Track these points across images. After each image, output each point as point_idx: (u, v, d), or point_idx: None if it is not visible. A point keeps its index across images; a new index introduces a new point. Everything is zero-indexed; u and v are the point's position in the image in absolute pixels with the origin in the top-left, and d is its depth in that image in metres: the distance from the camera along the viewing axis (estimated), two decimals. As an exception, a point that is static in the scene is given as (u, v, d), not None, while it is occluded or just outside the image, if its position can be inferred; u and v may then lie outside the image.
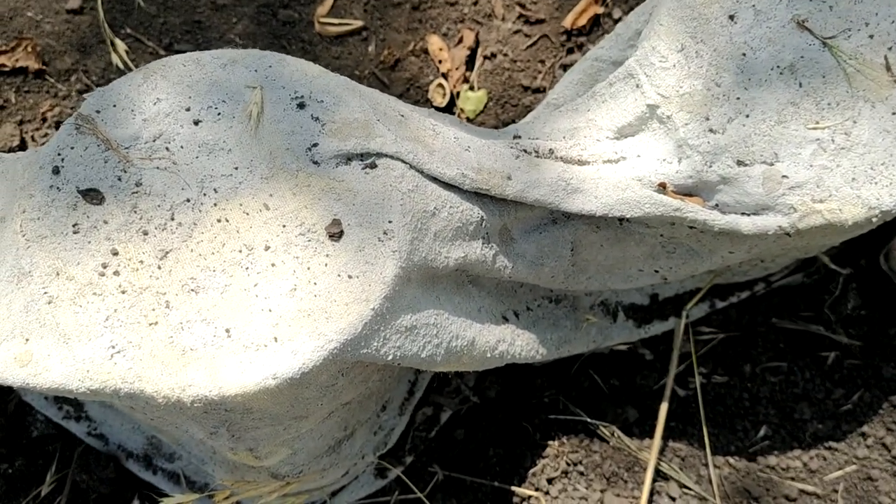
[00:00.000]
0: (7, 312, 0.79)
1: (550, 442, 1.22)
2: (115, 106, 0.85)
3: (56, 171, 0.81)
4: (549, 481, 1.20)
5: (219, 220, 0.81)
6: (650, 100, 0.94)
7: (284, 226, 0.80)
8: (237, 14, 1.39)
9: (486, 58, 1.45)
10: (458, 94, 1.43)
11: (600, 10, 1.44)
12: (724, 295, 1.28)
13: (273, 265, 0.79)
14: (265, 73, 0.87)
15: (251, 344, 0.76)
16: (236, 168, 0.83)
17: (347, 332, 0.77)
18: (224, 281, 0.78)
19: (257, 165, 0.83)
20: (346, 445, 1.06)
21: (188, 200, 0.81)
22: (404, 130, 0.88)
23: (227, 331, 0.77)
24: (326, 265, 0.79)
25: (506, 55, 1.45)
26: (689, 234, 0.99)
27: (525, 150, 0.95)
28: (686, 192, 0.94)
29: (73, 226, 0.80)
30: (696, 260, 1.04)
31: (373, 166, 0.83)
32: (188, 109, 0.85)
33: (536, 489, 1.19)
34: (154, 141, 0.83)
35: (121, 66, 1.34)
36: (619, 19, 1.44)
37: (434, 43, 1.45)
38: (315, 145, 0.83)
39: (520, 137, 1.04)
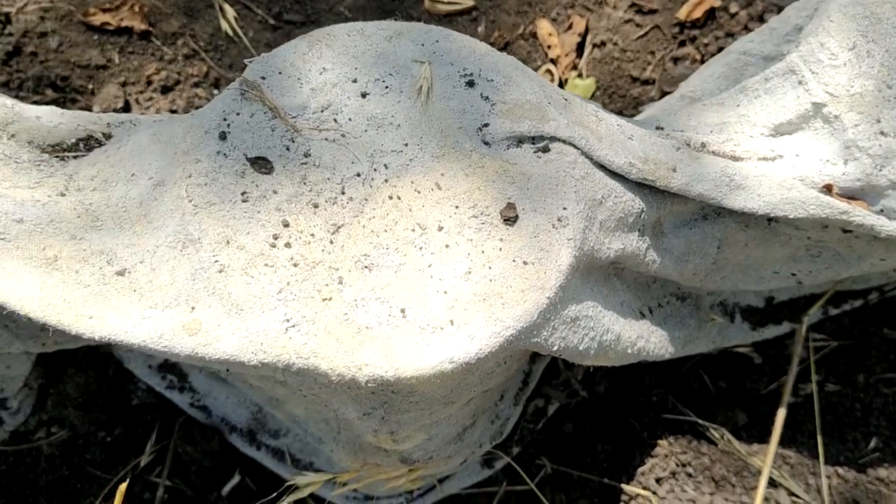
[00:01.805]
0: (170, 279, 0.76)
1: (660, 441, 1.20)
2: (280, 73, 0.82)
3: (223, 136, 0.79)
4: (658, 481, 1.17)
5: (390, 197, 0.78)
6: (816, 98, 0.91)
7: (457, 207, 0.78)
8: (349, -14, 1.36)
9: (595, 45, 1.42)
10: (566, 80, 1.39)
11: (717, 3, 1.41)
12: (837, 302, 1.25)
13: (447, 246, 0.76)
14: (432, 47, 0.84)
15: (427, 326, 0.74)
16: (406, 144, 0.80)
17: (524, 320, 0.75)
18: (398, 260, 0.76)
19: (427, 143, 0.80)
20: (468, 433, 1.03)
21: (358, 175, 0.78)
22: (570, 115, 0.85)
23: (402, 311, 0.74)
24: (501, 249, 0.76)
25: (616, 44, 1.42)
26: (841, 238, 0.96)
27: (687, 144, 0.92)
28: (850, 196, 0.91)
29: (242, 194, 0.77)
30: (840, 265, 1.01)
31: (545, 150, 0.81)
32: (355, 81, 0.82)
33: (644, 488, 1.17)
34: (322, 111, 0.81)
35: (229, 32, 1.31)
36: (736, 14, 1.41)
37: (544, 27, 1.42)
38: (486, 125, 0.81)
39: (662, 128, 1.01)
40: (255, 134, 0.79)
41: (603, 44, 1.41)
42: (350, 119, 0.80)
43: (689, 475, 1.19)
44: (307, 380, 0.76)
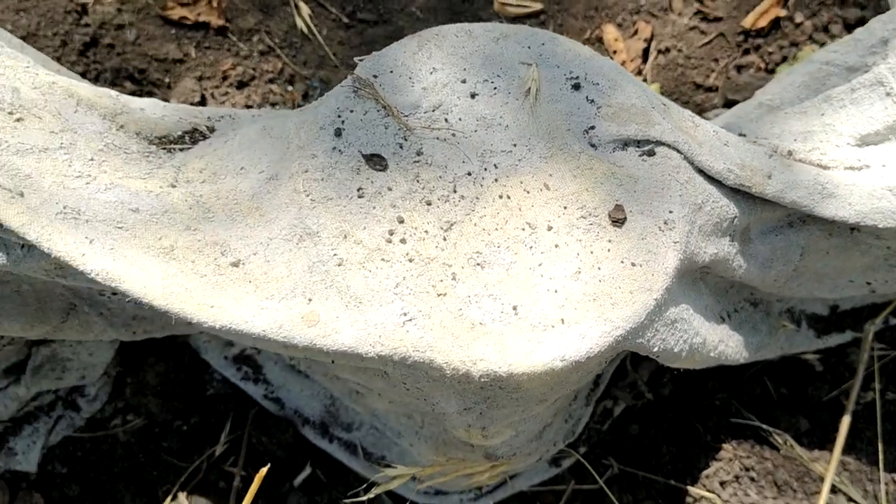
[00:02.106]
0: (287, 271, 0.78)
1: (723, 445, 1.21)
2: (391, 72, 0.84)
3: (338, 133, 0.81)
4: (722, 484, 1.19)
5: (500, 197, 0.80)
6: (906, 109, 0.93)
7: (565, 207, 0.79)
8: (420, -13, 1.38)
9: (660, 52, 1.44)
10: (631, 86, 1.41)
11: (782, 13, 1.42)
12: (899, 311, 1.27)
13: (556, 246, 0.78)
14: (538, 50, 0.86)
15: (539, 323, 0.75)
16: (514, 145, 0.82)
17: (632, 321, 0.76)
18: (509, 258, 0.77)
19: (535, 144, 0.82)
20: (547, 431, 1.05)
21: (469, 174, 0.80)
22: (671, 120, 0.87)
23: (515, 308, 0.76)
24: (609, 251, 0.78)
25: (680, 51, 1.43)
26: (922, 248, 0.98)
27: (774, 151, 0.93)
28: (937, 206, 0.92)
29: (358, 190, 0.79)
30: (918, 275, 1.02)
31: (651, 154, 0.82)
32: (464, 81, 0.84)
33: (709, 490, 1.18)
34: (433, 111, 0.82)
35: (304, 30, 1.33)
36: (801, 24, 1.42)
37: (610, 32, 1.43)
38: (592, 128, 0.82)
39: (744, 135, 1.03)
40: (369, 131, 0.80)
41: (668, 50, 1.42)
42: (460, 119, 0.82)
43: (752, 479, 1.20)
44: (417, 373, 0.78)
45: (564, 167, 0.81)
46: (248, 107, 1.28)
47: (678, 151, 0.83)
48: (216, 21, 1.31)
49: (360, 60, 0.85)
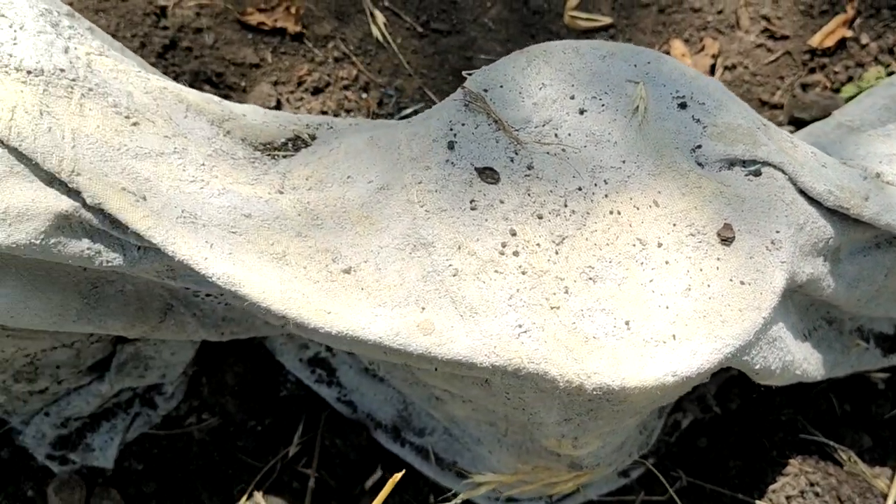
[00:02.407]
0: (399, 279, 0.79)
1: (790, 460, 1.22)
2: (502, 87, 0.85)
3: (451, 145, 0.82)
4: (788, 499, 1.20)
5: (611, 212, 0.81)
6: None
7: (675, 225, 0.81)
8: (492, -1, 1.39)
9: (726, 68, 1.45)
10: (697, 101, 1.42)
11: (848, 33, 1.43)
12: (964, 332, 1.27)
13: (667, 262, 0.79)
14: (644, 68, 0.87)
15: (651, 339, 0.77)
16: (623, 161, 0.83)
17: (741, 338, 0.78)
18: (621, 273, 0.79)
19: (644, 161, 0.83)
20: (626, 442, 1.06)
21: (580, 189, 0.81)
22: (773, 140, 0.88)
23: (627, 323, 0.77)
24: (718, 268, 0.79)
25: (746, 68, 1.44)
26: None
27: (865, 172, 0.94)
28: None
29: (471, 202, 0.80)
30: None
31: (757, 174, 0.83)
32: (573, 98, 0.85)
33: (776, 505, 1.19)
34: (543, 126, 0.84)
35: (379, 38, 1.34)
36: (867, 45, 1.43)
37: (677, 48, 1.45)
38: (699, 147, 0.84)
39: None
40: (481, 144, 0.82)
41: (734, 66, 1.44)
42: (570, 134, 0.83)
43: (817, 494, 1.21)
44: (525, 384, 0.79)
45: (673, 185, 0.82)
46: (324, 113, 1.29)
47: (783, 172, 0.85)
48: (293, 27, 1.32)
49: (470, 74, 0.86)
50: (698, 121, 0.85)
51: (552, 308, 0.77)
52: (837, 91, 1.44)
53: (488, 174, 0.81)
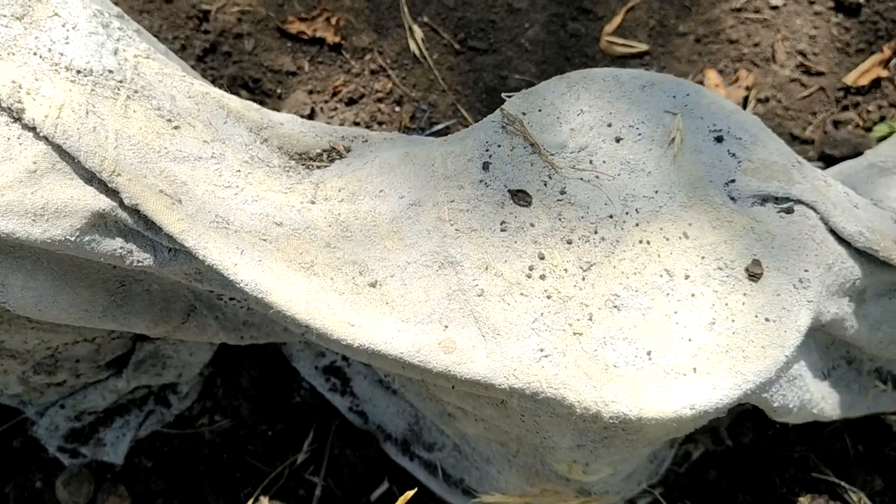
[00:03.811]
0: (424, 296, 0.80)
1: (799, 499, 1.21)
2: (540, 111, 0.86)
3: (486, 167, 0.83)
4: (797, 538, 1.19)
5: (640, 242, 0.81)
6: None
7: (703, 257, 0.81)
8: (530, 20, 1.40)
9: (759, 101, 1.45)
10: (727, 132, 1.42)
11: (884, 73, 1.43)
12: (985, 380, 1.26)
13: (693, 295, 0.79)
14: (683, 100, 0.87)
15: (671, 370, 0.76)
16: (656, 191, 0.83)
17: (763, 375, 0.77)
18: (646, 303, 0.79)
19: (677, 192, 0.83)
20: (636, 471, 1.06)
21: (611, 216, 0.82)
22: (807, 178, 0.88)
23: (649, 353, 0.77)
24: (744, 304, 0.79)
25: (779, 101, 1.44)
26: None
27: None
28: None
29: (501, 223, 0.80)
30: None
31: (789, 211, 0.83)
32: (610, 125, 0.85)
33: (785, 544, 1.18)
34: (579, 152, 0.84)
35: (416, 53, 1.35)
36: (902, 85, 1.43)
37: (711, 78, 1.45)
38: (732, 181, 0.84)
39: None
40: (516, 167, 0.82)
41: (767, 100, 1.43)
42: (604, 161, 0.83)
43: (827, 535, 1.20)
44: (542, 407, 0.79)
45: (704, 217, 0.82)
46: (356, 124, 1.30)
47: (816, 211, 0.84)
48: (332, 38, 1.34)
49: (509, 96, 0.87)
50: (734, 155, 0.85)
51: (575, 334, 0.77)
52: (869, 130, 1.44)
53: (521, 196, 0.81)
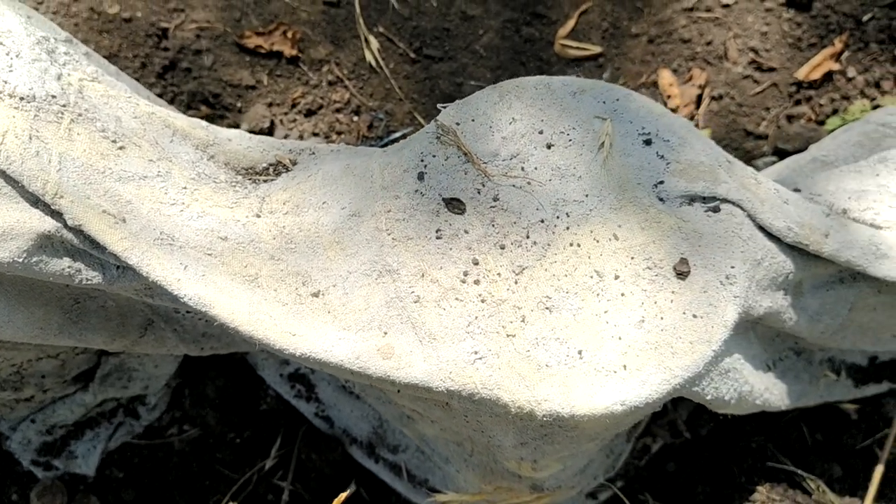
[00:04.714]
0: (365, 304, 0.83)
1: (757, 487, 1.24)
2: (473, 121, 0.88)
3: (421, 176, 0.85)
4: (755, 526, 1.22)
5: (571, 244, 0.84)
6: (961, 177, 0.96)
7: (633, 258, 0.83)
8: (484, 26, 1.43)
9: (713, 98, 1.47)
10: (683, 130, 1.45)
11: (835, 66, 1.46)
12: (938, 366, 1.29)
13: (622, 294, 0.82)
14: (613, 105, 0.90)
15: (602, 368, 0.79)
16: (587, 195, 0.86)
17: (691, 370, 0.80)
18: (577, 304, 0.82)
19: (606, 195, 0.86)
20: (590, 466, 1.09)
21: (543, 221, 0.84)
22: (736, 177, 0.91)
23: (580, 352, 0.80)
24: (672, 301, 0.82)
25: (733, 98, 1.47)
26: (969, 310, 1.00)
27: (830, 209, 0.97)
28: None
29: (437, 231, 0.83)
30: (963, 335, 1.05)
31: (716, 210, 0.86)
32: (541, 132, 0.88)
33: (744, 532, 1.21)
34: (511, 159, 0.87)
35: (373, 63, 1.38)
36: (853, 78, 1.46)
37: (665, 78, 1.47)
38: (661, 182, 0.86)
39: (800, 191, 1.06)
40: (450, 176, 0.85)
41: (721, 97, 1.46)
42: (536, 168, 0.86)
43: (786, 522, 1.23)
44: (481, 408, 0.82)
45: (633, 219, 0.85)
46: (315, 135, 1.33)
47: (742, 209, 0.87)
48: (289, 51, 1.36)
49: (444, 108, 0.89)
50: (662, 157, 0.87)
51: (508, 336, 0.80)
52: (822, 123, 1.46)
53: (455, 205, 0.84)
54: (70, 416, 1.17)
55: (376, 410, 1.21)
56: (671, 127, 0.89)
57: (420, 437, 1.13)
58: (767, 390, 1.03)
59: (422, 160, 0.86)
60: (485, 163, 0.86)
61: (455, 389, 0.79)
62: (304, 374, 1.23)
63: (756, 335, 1.04)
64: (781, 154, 1.43)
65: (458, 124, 0.88)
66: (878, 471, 1.23)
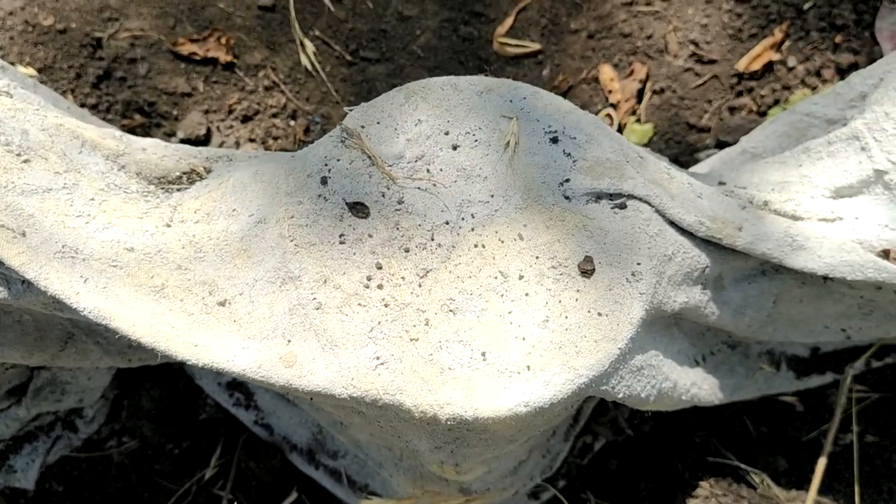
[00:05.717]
0: (269, 312, 0.82)
1: (701, 482, 1.24)
2: (378, 123, 0.88)
3: (324, 181, 0.85)
4: (699, 521, 1.21)
5: (476, 245, 0.83)
6: (878, 165, 0.96)
7: (537, 257, 0.83)
8: (421, 27, 1.42)
9: (654, 92, 1.47)
10: (625, 125, 1.45)
11: (775, 56, 1.45)
12: (880, 355, 1.28)
13: (527, 294, 0.82)
14: (520, 104, 0.89)
15: (505, 370, 0.79)
16: (492, 196, 0.85)
17: (596, 369, 0.80)
18: (481, 305, 0.81)
19: (512, 195, 0.85)
20: (523, 467, 1.08)
21: (447, 223, 0.84)
22: (646, 172, 0.90)
23: (483, 354, 0.79)
24: (577, 300, 0.81)
25: (674, 91, 1.47)
26: (893, 299, 1.00)
27: (749, 202, 0.96)
28: (907, 261, 0.95)
29: (340, 236, 0.83)
30: (891, 324, 1.05)
31: (622, 207, 0.86)
32: (447, 133, 0.88)
33: (687, 527, 1.21)
34: (416, 161, 0.86)
35: (308, 67, 1.37)
36: (794, 68, 1.45)
37: (606, 73, 1.47)
38: (567, 181, 0.86)
39: (725, 184, 1.06)
40: (354, 180, 0.84)
41: (662, 91, 1.46)
42: (441, 169, 0.86)
43: (730, 517, 1.22)
44: (388, 413, 0.82)
45: (538, 218, 0.84)
46: (252, 140, 1.32)
47: (649, 205, 0.87)
48: (224, 57, 1.36)
49: (350, 111, 0.89)
50: (569, 155, 0.87)
51: (411, 340, 0.79)
52: (764, 114, 1.46)
53: (359, 209, 0.84)
54: (6, 431, 1.16)
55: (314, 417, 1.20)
56: (578, 124, 0.89)
57: (354, 443, 1.12)
58: (695, 385, 1.02)
59: (326, 164, 0.85)
60: (390, 165, 0.85)
61: (357, 396, 0.78)
62: (242, 383, 1.23)
63: (682, 331, 1.04)
64: (724, 146, 1.42)
65: (363, 127, 0.87)
66: (822, 463, 1.22)
